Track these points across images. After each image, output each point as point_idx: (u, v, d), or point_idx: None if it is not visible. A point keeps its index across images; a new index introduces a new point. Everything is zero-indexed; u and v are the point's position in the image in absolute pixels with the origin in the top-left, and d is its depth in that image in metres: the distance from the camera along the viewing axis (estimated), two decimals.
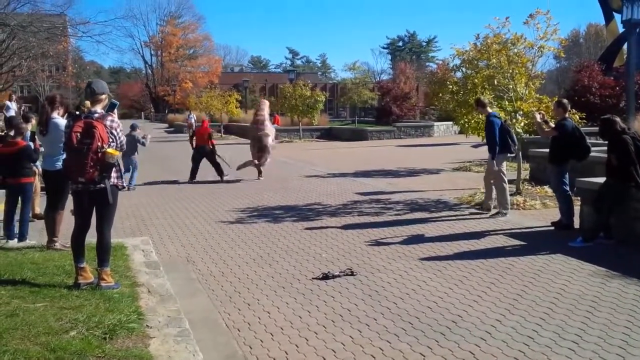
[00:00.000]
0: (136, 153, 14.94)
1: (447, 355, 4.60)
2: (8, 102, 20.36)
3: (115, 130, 5.31)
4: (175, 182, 15.80)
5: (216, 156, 16.08)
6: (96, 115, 5.31)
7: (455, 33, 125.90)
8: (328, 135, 35.44)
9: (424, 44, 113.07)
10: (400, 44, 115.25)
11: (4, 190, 8.78)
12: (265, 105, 17.17)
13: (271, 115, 41.82)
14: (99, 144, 5.16)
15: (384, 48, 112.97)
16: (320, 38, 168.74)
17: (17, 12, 32.05)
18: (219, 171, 15.98)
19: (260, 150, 16.07)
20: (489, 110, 10.31)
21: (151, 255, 6.86)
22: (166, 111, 75.47)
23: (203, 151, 16.07)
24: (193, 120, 40.51)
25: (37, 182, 9.93)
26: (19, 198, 8.36)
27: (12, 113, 17.29)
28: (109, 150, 5.18)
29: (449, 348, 4.73)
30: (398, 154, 23.71)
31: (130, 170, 14.54)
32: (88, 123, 5.22)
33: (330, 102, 80.00)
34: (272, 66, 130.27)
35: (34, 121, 10.13)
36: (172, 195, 13.34)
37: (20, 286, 5.27)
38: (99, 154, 5.16)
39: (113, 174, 5.35)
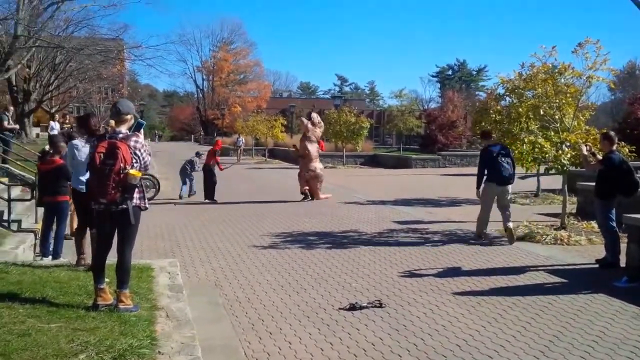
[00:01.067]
0: (193, 175, 17.36)
1: None
2: (52, 123, 20.93)
3: (139, 150, 5.26)
4: (213, 202, 15.88)
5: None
6: (120, 135, 5.27)
7: (506, 62, 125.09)
8: (372, 162, 35.23)
9: (474, 72, 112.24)
10: (450, 72, 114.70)
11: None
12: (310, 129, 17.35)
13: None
14: (122, 165, 5.10)
15: (433, 76, 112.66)
16: (370, 65, 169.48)
17: (74, 36, 33.11)
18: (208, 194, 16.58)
19: (318, 181, 16.83)
20: (489, 142, 10.91)
21: (177, 278, 6.76)
22: (214, 134, 76.48)
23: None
24: (241, 143, 40.93)
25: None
26: (55, 216, 8.43)
27: (54, 133, 17.73)
28: (132, 171, 5.12)
29: None
30: (441, 182, 23.32)
31: (188, 184, 17.19)
32: (112, 143, 5.17)
33: (377, 129, 79.93)
34: (321, 92, 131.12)
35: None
36: (208, 217, 13.34)
37: (39, 305, 5.22)
38: (122, 175, 5.11)
39: (135, 195, 5.28)
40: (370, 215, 13.85)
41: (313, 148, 17.07)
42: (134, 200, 5.27)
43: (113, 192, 5.10)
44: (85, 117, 7.21)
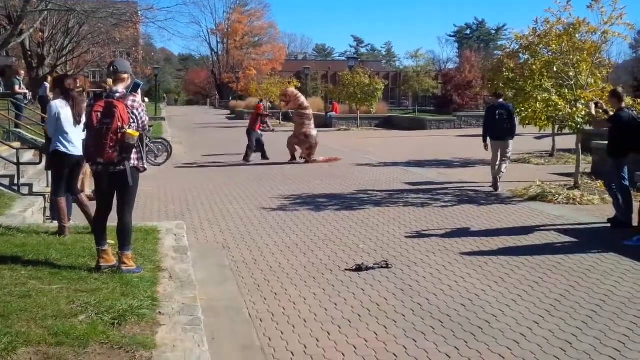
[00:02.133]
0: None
1: (475, 357, 4.28)
2: (45, 84, 20.36)
3: (137, 110, 5.19)
4: (225, 164, 15.90)
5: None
6: (117, 94, 5.20)
7: (527, 21, 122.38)
8: (386, 124, 34.93)
9: (493, 32, 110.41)
10: (468, 32, 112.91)
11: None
12: (298, 93, 17.65)
13: (331, 102, 41.49)
14: (119, 124, 5.04)
15: (450, 36, 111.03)
16: (386, 26, 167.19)
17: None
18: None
19: (310, 145, 16.72)
20: (500, 100, 11.93)
21: (182, 240, 6.76)
22: (230, 98, 76.37)
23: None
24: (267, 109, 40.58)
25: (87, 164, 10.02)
26: None
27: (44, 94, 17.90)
28: (129, 131, 5.05)
29: (477, 350, 4.40)
30: (455, 144, 23.10)
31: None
32: (109, 103, 5.11)
33: (392, 90, 79.10)
34: (336, 54, 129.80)
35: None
36: (220, 179, 13.36)
37: (42, 267, 5.24)
38: (119, 135, 5.05)
39: (133, 156, 5.23)
40: (382, 177, 13.76)
41: (297, 118, 17.22)
42: (132, 161, 5.22)
43: (110, 151, 5.05)
44: (61, 78, 7.21)
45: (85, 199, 7.10)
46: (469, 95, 47.85)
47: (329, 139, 25.89)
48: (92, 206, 6.11)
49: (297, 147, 16.94)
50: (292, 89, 18.67)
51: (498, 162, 11.70)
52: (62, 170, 6.75)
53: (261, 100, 33.87)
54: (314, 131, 16.79)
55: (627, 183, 8.41)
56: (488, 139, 11.63)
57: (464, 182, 12.71)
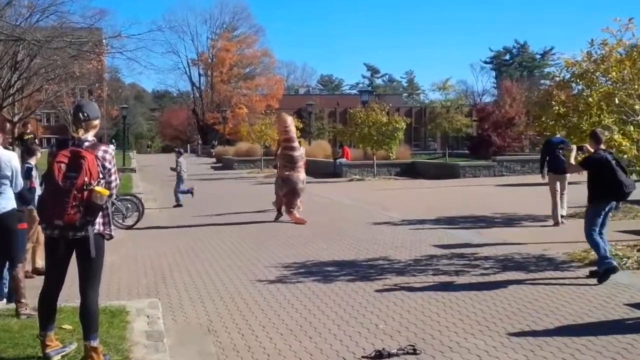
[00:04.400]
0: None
1: None
2: None
3: (110, 163, 5.25)
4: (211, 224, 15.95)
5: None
6: (87, 143, 5.26)
7: (578, 43, 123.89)
8: (410, 171, 35.08)
9: (538, 57, 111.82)
10: (507, 57, 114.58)
11: None
12: (290, 125, 17.59)
13: (340, 146, 41.75)
14: (87, 179, 5.08)
15: (486, 63, 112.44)
16: (407, 52, 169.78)
17: (39, 26, 33.40)
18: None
19: (291, 193, 16.83)
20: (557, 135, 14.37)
21: (157, 322, 6.74)
22: (214, 142, 77.09)
23: None
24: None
25: (39, 229, 10.05)
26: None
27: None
28: (98, 188, 5.08)
29: None
30: (496, 195, 23.12)
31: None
32: (76, 153, 5.15)
33: (416, 130, 79.93)
34: (346, 87, 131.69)
35: (39, 154, 10.34)
36: (204, 244, 13.38)
37: None
38: (85, 192, 5.08)
39: (99, 220, 5.24)
40: (405, 238, 13.75)
41: (281, 154, 17.53)
42: (96, 226, 5.24)
43: (72, 212, 5.05)
44: None
45: (20, 274, 7.15)
46: (511, 134, 48.16)
47: (338, 191, 26.00)
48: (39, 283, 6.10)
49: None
50: (285, 114, 18.75)
51: (559, 198, 14.83)
52: None
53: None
54: (297, 173, 16.96)
55: (594, 234, 9.56)
56: (547, 171, 14.99)
57: (508, 244, 12.68)
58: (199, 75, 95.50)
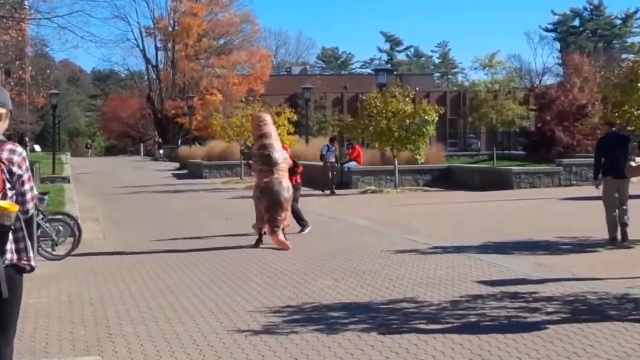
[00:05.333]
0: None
1: None
2: None
3: (20, 168, 5.25)
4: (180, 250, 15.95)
5: None
6: None
7: None
8: (444, 179, 35.18)
9: (618, 22, 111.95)
10: (577, 23, 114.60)
11: None
12: (268, 122, 18.03)
13: (349, 145, 41.69)
14: None
15: (548, 30, 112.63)
16: (439, 17, 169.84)
17: None
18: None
19: (272, 205, 16.97)
20: (613, 129, 16.08)
21: None
22: (178, 140, 77.19)
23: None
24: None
25: None
26: None
27: None
28: (3, 204, 5.07)
29: None
30: (562, 212, 23.13)
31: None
32: None
33: (454, 123, 79.87)
34: (357, 64, 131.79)
35: None
36: (164, 281, 13.37)
37: None
38: None
39: (10, 246, 5.22)
40: (438, 272, 13.75)
41: (255, 157, 17.95)
42: (7, 255, 5.22)
43: None
44: None
45: None
46: (582, 129, 48.05)
47: (346, 207, 26.03)
48: None
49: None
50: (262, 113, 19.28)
51: (617, 206, 15.54)
52: None
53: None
54: (279, 179, 17.14)
55: None
56: (601, 176, 15.59)
57: (579, 279, 12.68)
58: (156, 49, 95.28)
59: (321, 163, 33.59)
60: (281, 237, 16.83)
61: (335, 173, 33.65)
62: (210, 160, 49.08)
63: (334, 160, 33.39)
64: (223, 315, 10.88)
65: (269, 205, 16.86)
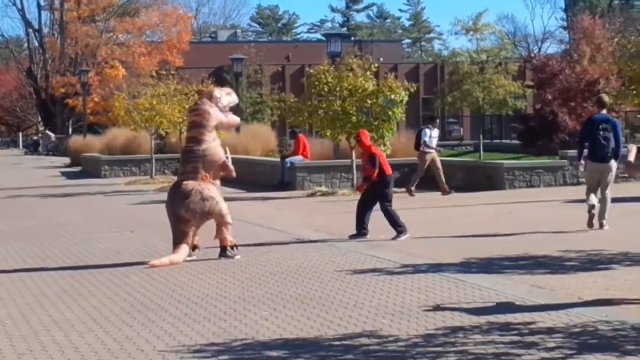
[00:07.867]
0: None
1: None
2: None
3: None
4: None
5: None
6: None
7: None
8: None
9: None
10: None
11: None
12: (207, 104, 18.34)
13: (292, 134, 41.97)
14: None
15: None
16: None
17: None
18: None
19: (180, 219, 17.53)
20: (603, 111, 18.27)
21: None
22: (68, 129, 76.67)
23: None
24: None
25: None
26: None
27: None
28: None
29: None
30: (566, 218, 23.28)
31: None
32: None
33: (428, 104, 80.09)
34: (303, 28, 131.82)
35: None
36: (43, 308, 13.30)
37: None
38: None
39: None
40: (408, 297, 13.84)
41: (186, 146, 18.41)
42: None
43: None
44: None
45: None
46: (593, 110, 48.47)
47: (289, 215, 26.14)
48: None
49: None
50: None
51: (598, 192, 18.84)
52: None
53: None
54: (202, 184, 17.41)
55: None
56: (585, 160, 17.64)
57: (587, 304, 12.80)
58: (39, 7, 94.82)
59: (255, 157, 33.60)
60: (180, 256, 17.36)
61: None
62: (110, 154, 48.91)
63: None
64: (126, 356, 10.87)
65: (203, 213, 17.48)
